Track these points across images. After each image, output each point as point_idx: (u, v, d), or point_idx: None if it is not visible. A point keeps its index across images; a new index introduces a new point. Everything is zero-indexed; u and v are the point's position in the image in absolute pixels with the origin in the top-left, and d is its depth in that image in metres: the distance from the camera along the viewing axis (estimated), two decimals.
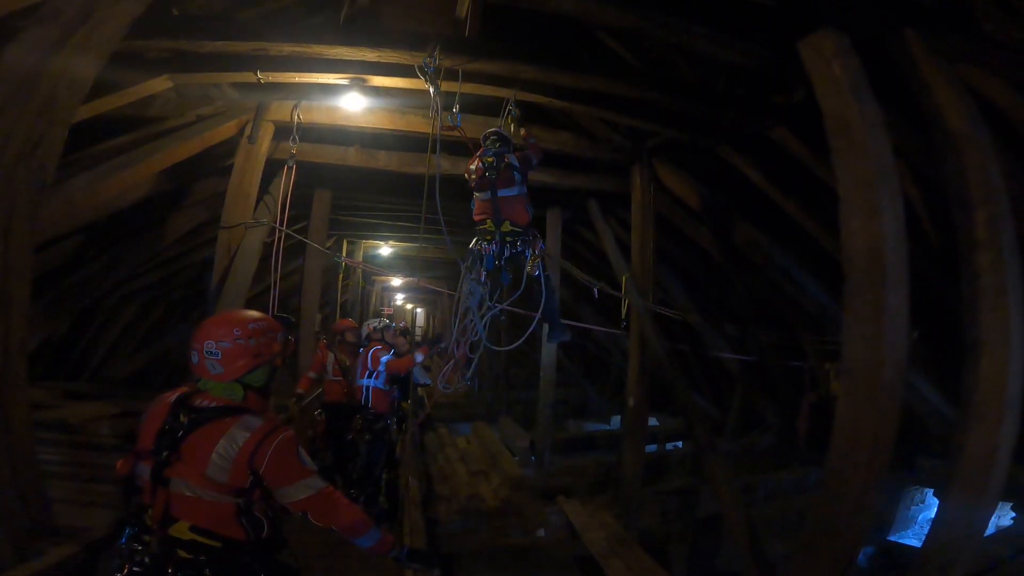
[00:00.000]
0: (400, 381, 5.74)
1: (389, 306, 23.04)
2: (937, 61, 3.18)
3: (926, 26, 3.19)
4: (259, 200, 5.61)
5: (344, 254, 10.96)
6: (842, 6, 3.23)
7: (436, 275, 15.08)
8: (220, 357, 1.90)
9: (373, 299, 18.66)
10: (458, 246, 4.31)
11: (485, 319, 4.04)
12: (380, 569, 3.98)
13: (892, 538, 6.83)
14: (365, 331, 5.84)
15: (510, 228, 3.92)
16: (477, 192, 4.00)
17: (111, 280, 7.13)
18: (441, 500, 7.04)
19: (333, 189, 7.74)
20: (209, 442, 1.78)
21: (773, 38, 3.76)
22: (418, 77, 4.14)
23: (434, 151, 4.04)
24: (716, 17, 3.78)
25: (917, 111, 3.33)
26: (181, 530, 1.78)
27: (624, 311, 6.51)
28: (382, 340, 5.51)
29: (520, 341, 4.35)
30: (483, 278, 3.99)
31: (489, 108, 5.14)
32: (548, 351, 8.56)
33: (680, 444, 9.68)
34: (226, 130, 5.38)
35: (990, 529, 4.29)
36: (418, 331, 26.02)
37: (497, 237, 3.92)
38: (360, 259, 12.06)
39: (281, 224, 5.57)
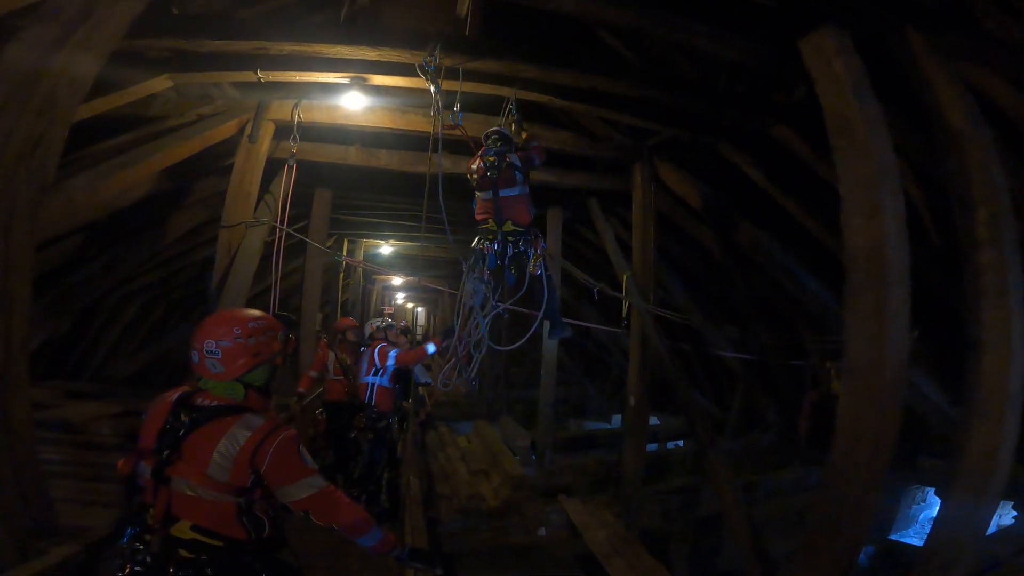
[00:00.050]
0: (402, 380, 5.73)
1: (390, 305, 23.07)
2: (938, 59, 3.18)
3: (927, 24, 3.19)
4: (260, 199, 5.61)
5: (345, 253, 10.98)
6: (843, 4, 3.23)
7: (437, 274, 15.09)
8: (220, 356, 1.90)
9: (374, 298, 18.67)
10: (459, 245, 4.31)
11: (488, 318, 4.04)
12: (381, 568, 3.98)
13: (893, 537, 6.83)
14: (368, 330, 5.83)
15: (512, 228, 3.91)
16: (479, 192, 3.99)
17: (112, 279, 7.15)
18: (442, 499, 7.04)
19: (334, 188, 7.74)
20: (210, 441, 1.78)
21: (773, 36, 3.75)
22: (419, 76, 4.13)
23: (436, 150, 4.04)
24: (717, 15, 3.77)
25: (918, 109, 3.33)
26: (182, 529, 1.78)
27: (625, 310, 6.51)
28: (385, 339, 5.51)
29: (523, 340, 4.34)
30: (486, 277, 3.99)
31: (490, 107, 5.14)
32: (549, 350, 8.56)
33: (681, 443, 9.68)
34: (226, 129, 5.38)
35: (991, 528, 4.28)
36: (419, 330, 26.10)
37: (499, 237, 3.91)
38: (361, 258, 12.07)
39: (282, 223, 5.57)
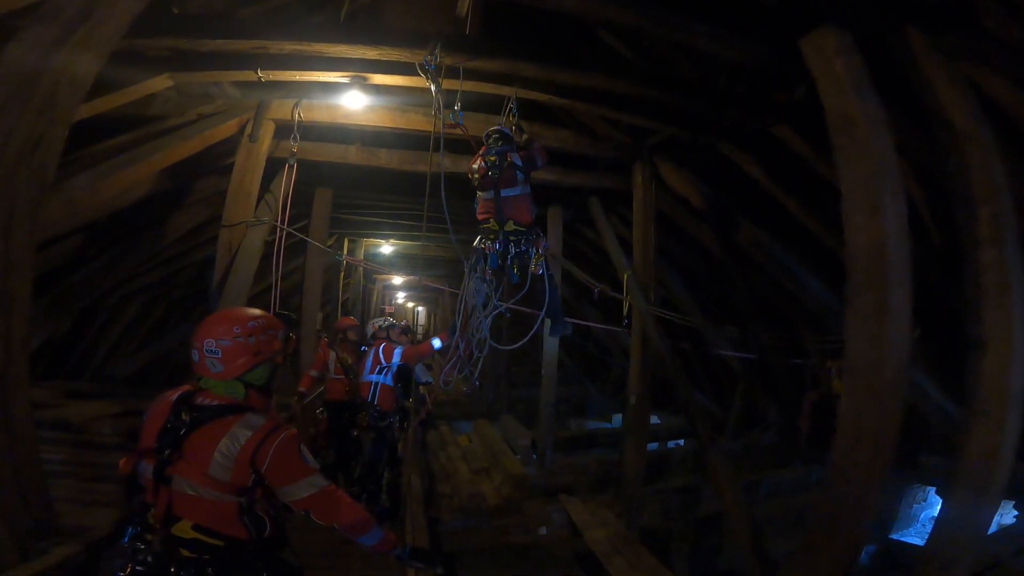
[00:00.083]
0: (403, 379, 5.73)
1: (390, 304, 23.06)
2: (939, 58, 3.17)
3: (928, 23, 3.18)
4: (260, 199, 5.62)
5: (345, 252, 10.98)
6: (844, 4, 3.23)
7: (437, 273, 15.08)
8: (220, 355, 1.89)
9: (374, 297, 18.67)
10: (460, 244, 4.31)
11: (489, 317, 4.04)
12: (382, 568, 3.98)
13: (894, 536, 6.82)
14: (371, 330, 5.83)
15: (514, 227, 3.91)
16: (480, 191, 3.99)
17: (112, 279, 7.14)
18: (443, 498, 7.05)
19: (334, 187, 7.75)
20: (211, 441, 1.78)
21: (774, 36, 3.75)
22: (419, 75, 4.13)
23: (437, 149, 4.03)
24: (717, 15, 3.77)
25: (919, 109, 3.33)
26: (184, 529, 1.78)
27: (626, 309, 6.51)
28: (388, 338, 5.51)
29: (525, 340, 4.34)
30: (488, 277, 3.99)
31: (490, 106, 5.14)
32: (549, 349, 8.56)
33: (682, 442, 9.67)
34: (227, 129, 5.38)
35: (992, 527, 4.28)
36: (419, 329, 26.10)
37: (501, 236, 3.91)
38: (361, 257, 12.07)
39: (282, 222, 5.57)
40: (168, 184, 5.93)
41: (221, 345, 1.89)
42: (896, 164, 3.18)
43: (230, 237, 5.22)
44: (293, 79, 4.94)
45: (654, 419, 8.55)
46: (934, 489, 6.72)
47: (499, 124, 4.32)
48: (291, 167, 5.57)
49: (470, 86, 4.38)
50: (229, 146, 5.49)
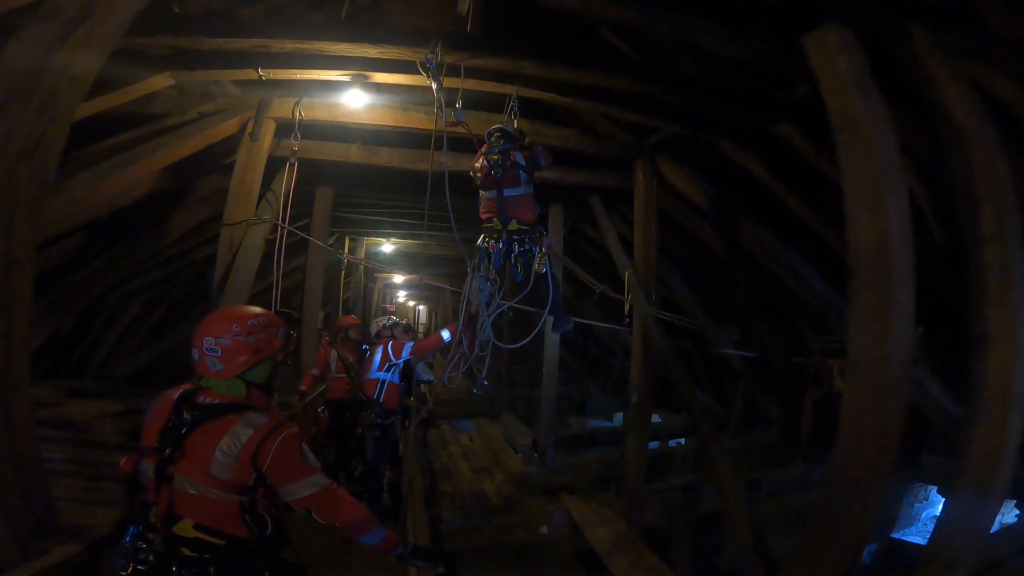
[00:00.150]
0: (406, 377, 5.73)
1: (391, 303, 23.08)
2: (942, 57, 3.16)
3: (931, 21, 3.17)
4: (261, 197, 5.62)
5: (346, 251, 10.98)
6: (846, 1, 3.22)
7: (439, 272, 15.08)
8: (220, 354, 1.89)
9: (375, 296, 18.69)
10: (462, 243, 4.30)
11: (492, 316, 4.03)
12: (384, 567, 3.98)
13: (896, 535, 6.82)
14: (374, 328, 5.84)
15: (517, 227, 3.90)
16: (483, 190, 3.99)
17: (113, 278, 7.15)
18: (444, 497, 7.04)
19: (335, 186, 7.74)
20: (212, 439, 1.77)
21: (776, 33, 3.74)
22: (420, 73, 4.12)
23: (439, 148, 4.03)
24: (718, 12, 3.76)
25: (922, 107, 3.32)
26: (185, 528, 1.78)
27: (627, 308, 6.50)
28: (392, 337, 5.52)
29: (528, 339, 4.33)
30: (491, 276, 3.98)
31: (492, 104, 5.13)
32: (551, 348, 8.55)
33: (683, 441, 9.67)
34: (228, 127, 5.38)
35: (994, 526, 4.27)
36: (420, 328, 26.13)
37: (504, 235, 3.91)
38: (362, 256, 12.07)
39: (283, 221, 5.57)
40: (169, 183, 5.93)
41: (221, 343, 1.89)
42: (899, 162, 3.17)
43: (231, 236, 5.21)
44: (294, 78, 4.94)
45: (655, 418, 8.55)
46: (936, 488, 6.71)
47: (501, 123, 4.31)
48: (292, 166, 5.57)
49: (471, 84, 4.38)
50: (230, 145, 5.49)
